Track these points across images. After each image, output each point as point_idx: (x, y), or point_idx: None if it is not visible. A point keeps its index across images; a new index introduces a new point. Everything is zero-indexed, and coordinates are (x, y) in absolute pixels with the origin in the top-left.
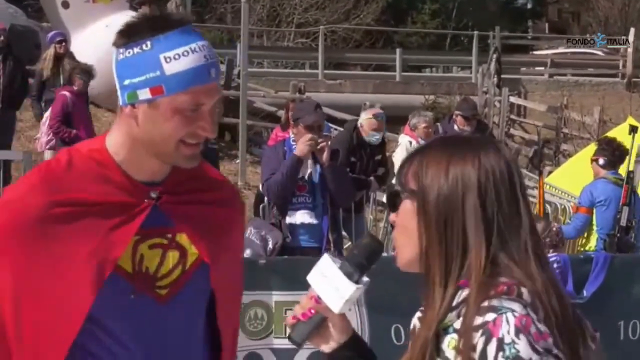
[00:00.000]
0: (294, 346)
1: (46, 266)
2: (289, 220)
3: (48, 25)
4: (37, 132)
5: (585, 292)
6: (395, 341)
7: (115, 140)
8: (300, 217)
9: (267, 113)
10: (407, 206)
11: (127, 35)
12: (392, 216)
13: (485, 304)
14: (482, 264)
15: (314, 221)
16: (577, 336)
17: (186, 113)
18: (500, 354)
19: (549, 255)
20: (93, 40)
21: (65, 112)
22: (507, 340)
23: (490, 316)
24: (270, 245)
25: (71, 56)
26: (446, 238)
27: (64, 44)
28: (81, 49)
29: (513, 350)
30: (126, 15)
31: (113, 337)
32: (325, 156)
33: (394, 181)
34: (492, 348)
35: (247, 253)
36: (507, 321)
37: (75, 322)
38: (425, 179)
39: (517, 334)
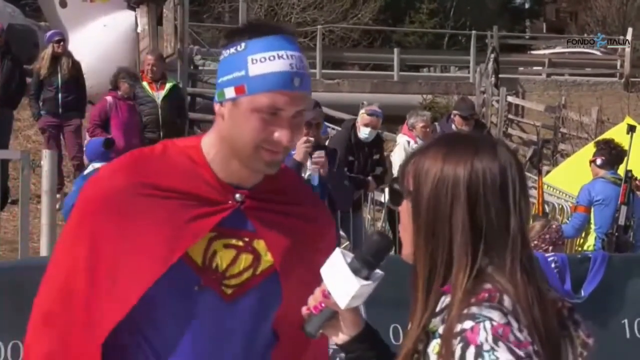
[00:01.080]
0: None
1: (122, 242)
2: None
3: (46, 24)
4: (35, 131)
5: (583, 292)
6: (393, 341)
7: (209, 138)
8: None
9: None
10: (405, 205)
11: (230, 37)
12: (399, 209)
13: (465, 311)
14: (465, 276)
15: None
16: (559, 347)
17: (264, 116)
18: None
19: (548, 254)
20: (91, 40)
21: (102, 117)
22: (486, 347)
23: (468, 324)
24: None
25: (69, 55)
26: (432, 247)
27: (62, 43)
28: (79, 48)
29: (493, 357)
30: (124, 15)
31: (171, 325)
32: (323, 170)
33: (395, 175)
34: (470, 355)
35: None
36: (485, 329)
37: (133, 295)
38: (420, 181)
39: (495, 341)
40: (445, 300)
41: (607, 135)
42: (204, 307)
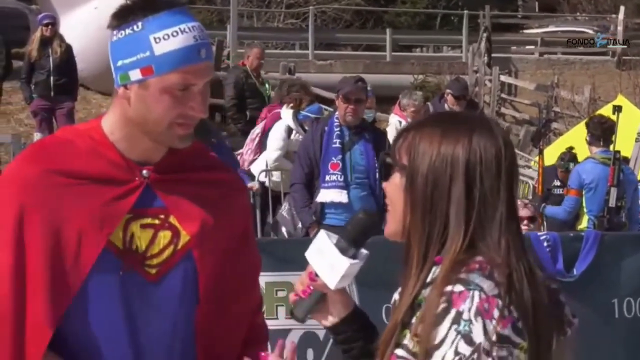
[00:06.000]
0: (284, 327)
1: (47, 238)
2: (319, 198)
3: (37, 7)
4: (27, 115)
5: (575, 271)
6: (385, 321)
7: (110, 120)
8: (331, 195)
9: None
10: (396, 180)
11: (120, 17)
12: (384, 184)
13: (457, 276)
14: (457, 246)
15: (344, 200)
16: (546, 323)
17: (175, 93)
18: (455, 326)
19: (540, 233)
20: (82, 22)
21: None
22: (465, 317)
23: (458, 288)
24: (299, 224)
25: (61, 38)
26: (430, 222)
27: (50, 26)
28: (70, 31)
29: (467, 328)
30: None
31: (103, 313)
32: None
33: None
34: (449, 317)
35: (283, 230)
36: (472, 299)
37: (69, 294)
38: (416, 157)
39: (476, 315)
40: (436, 271)
41: (598, 113)
42: (132, 290)
